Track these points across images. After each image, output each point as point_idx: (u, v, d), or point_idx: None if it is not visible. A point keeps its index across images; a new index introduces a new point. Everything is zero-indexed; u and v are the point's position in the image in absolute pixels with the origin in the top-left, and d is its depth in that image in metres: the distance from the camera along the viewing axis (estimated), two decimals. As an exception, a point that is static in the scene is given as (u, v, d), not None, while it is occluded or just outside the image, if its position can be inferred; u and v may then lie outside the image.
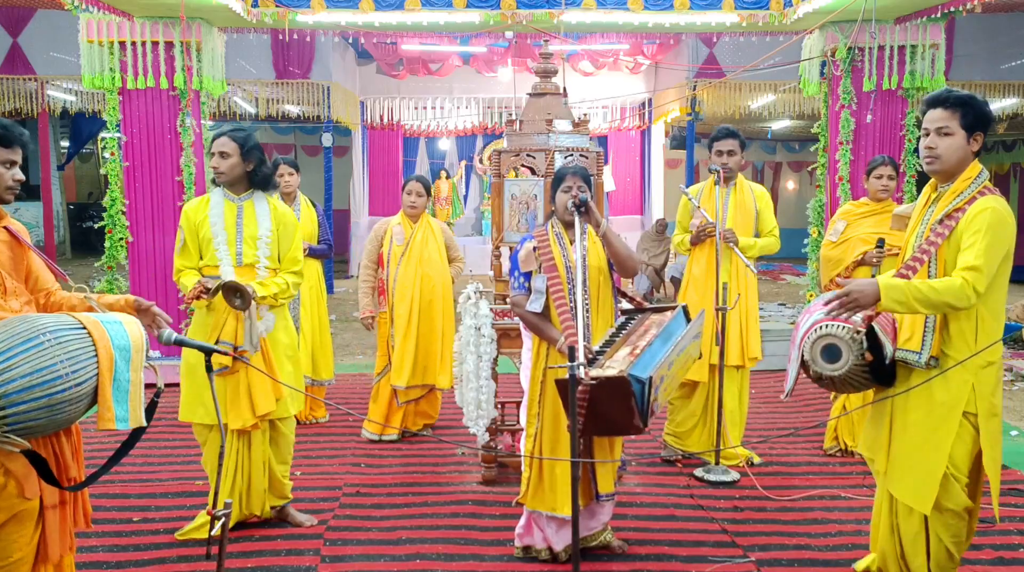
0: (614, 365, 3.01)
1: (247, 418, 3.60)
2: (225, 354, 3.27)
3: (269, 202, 3.75)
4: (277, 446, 3.82)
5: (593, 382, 2.89)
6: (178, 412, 3.72)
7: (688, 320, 3.52)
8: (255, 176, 3.69)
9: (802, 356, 2.94)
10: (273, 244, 3.69)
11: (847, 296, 2.69)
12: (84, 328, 2.16)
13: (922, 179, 6.90)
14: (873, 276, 4.58)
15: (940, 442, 2.79)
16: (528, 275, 3.42)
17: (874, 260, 4.50)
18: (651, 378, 2.93)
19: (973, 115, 2.76)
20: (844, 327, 2.84)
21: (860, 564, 3.38)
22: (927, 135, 2.83)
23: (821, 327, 2.88)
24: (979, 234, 2.68)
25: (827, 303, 2.80)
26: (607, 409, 2.95)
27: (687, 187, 5.05)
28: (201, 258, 3.68)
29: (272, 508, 3.87)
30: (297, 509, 4.01)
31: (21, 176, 2.45)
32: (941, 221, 2.79)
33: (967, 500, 2.84)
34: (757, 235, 4.81)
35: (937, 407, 2.80)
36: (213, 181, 3.75)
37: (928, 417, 2.82)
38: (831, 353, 2.86)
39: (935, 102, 2.81)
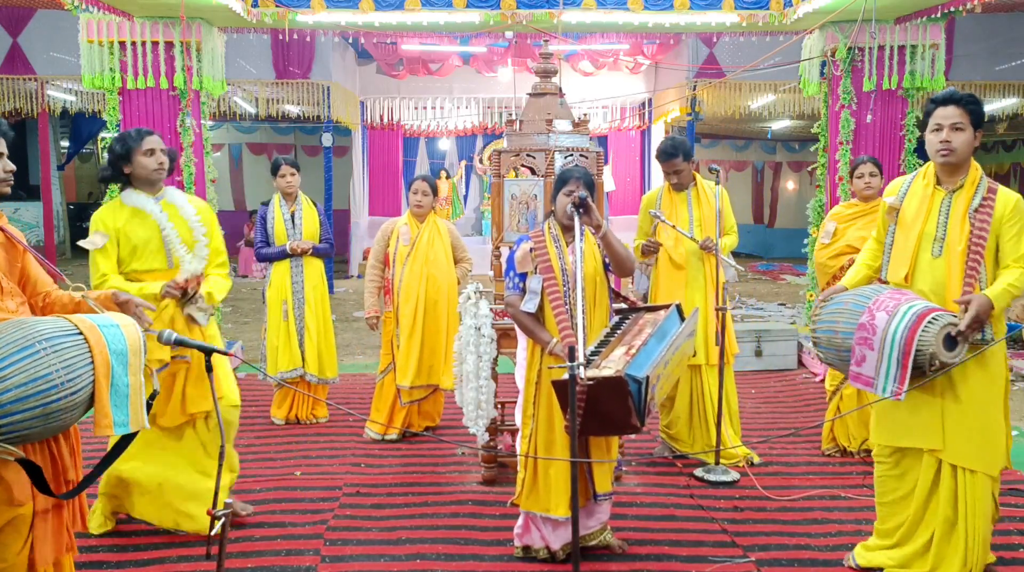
0: (610, 365, 3.02)
1: (177, 417, 3.63)
2: (225, 354, 3.27)
3: (188, 198, 3.76)
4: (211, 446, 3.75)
5: (590, 382, 2.89)
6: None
7: (682, 319, 3.52)
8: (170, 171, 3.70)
9: (917, 347, 2.91)
10: (212, 242, 3.73)
11: (977, 318, 2.92)
12: (80, 333, 2.14)
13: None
14: None
15: (998, 407, 3.10)
16: (523, 276, 3.41)
17: None
18: (648, 377, 2.93)
19: (979, 113, 3.07)
20: (955, 316, 2.97)
21: (862, 559, 3.41)
22: (940, 130, 3.06)
23: (936, 317, 2.93)
24: (1021, 224, 3.02)
25: (959, 329, 2.92)
26: (604, 409, 2.96)
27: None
28: (123, 264, 3.58)
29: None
30: (297, 509, 4.00)
31: (12, 166, 2.42)
32: (977, 210, 3.05)
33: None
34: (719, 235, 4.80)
35: (991, 376, 3.08)
36: (119, 185, 3.66)
37: (986, 386, 3.07)
38: (950, 342, 2.94)
39: (948, 100, 3.06)
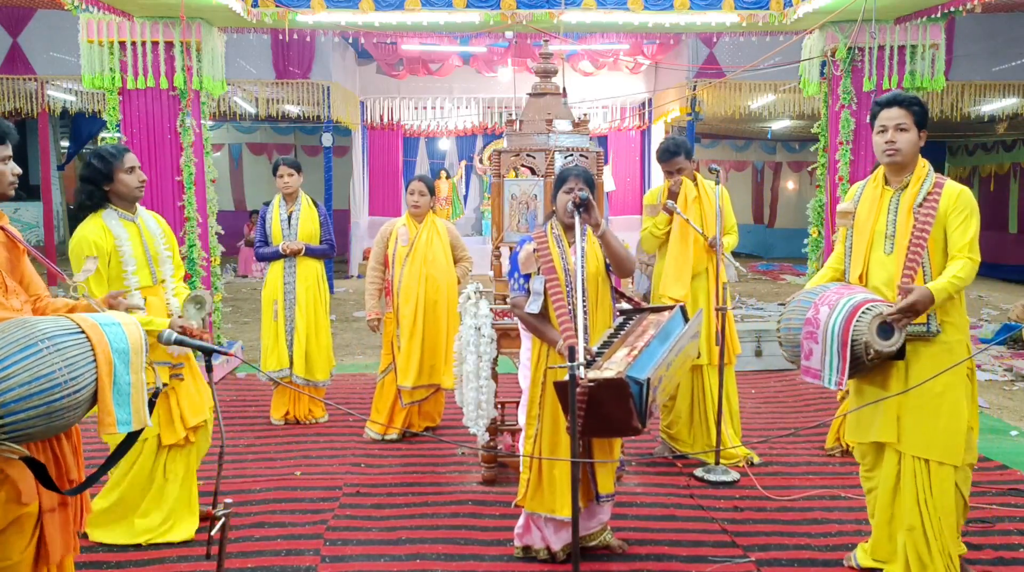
0: (612, 366, 3.02)
1: (180, 431, 3.63)
2: (225, 354, 3.27)
3: (151, 214, 3.75)
4: (201, 445, 3.80)
5: (591, 384, 2.89)
6: None
7: (686, 320, 3.52)
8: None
9: (852, 337, 2.99)
10: (174, 257, 3.72)
11: (912, 306, 2.97)
12: (82, 332, 2.14)
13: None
14: None
15: (957, 398, 3.12)
16: (527, 277, 3.41)
17: None
18: (649, 379, 2.93)
19: (922, 113, 3.17)
20: (889, 306, 3.03)
21: (862, 558, 3.42)
22: (885, 131, 3.16)
23: (870, 308, 3.01)
24: (966, 214, 3.08)
25: (891, 315, 2.98)
26: (605, 410, 2.96)
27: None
28: (111, 284, 3.51)
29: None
30: (297, 509, 4.00)
31: (18, 169, 2.43)
32: (921, 205, 3.13)
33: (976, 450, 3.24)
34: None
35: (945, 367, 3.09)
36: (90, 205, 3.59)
37: (943, 378, 3.08)
38: (885, 331, 2.99)
39: (891, 102, 3.17)
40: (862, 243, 3.27)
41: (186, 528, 3.73)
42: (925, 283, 3.06)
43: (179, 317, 3.45)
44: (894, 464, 3.21)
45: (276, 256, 5.48)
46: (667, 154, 4.73)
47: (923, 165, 3.21)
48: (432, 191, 5.33)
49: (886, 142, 3.16)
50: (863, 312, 3.00)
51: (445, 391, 5.31)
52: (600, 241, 3.39)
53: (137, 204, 3.67)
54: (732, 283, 4.82)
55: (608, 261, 3.46)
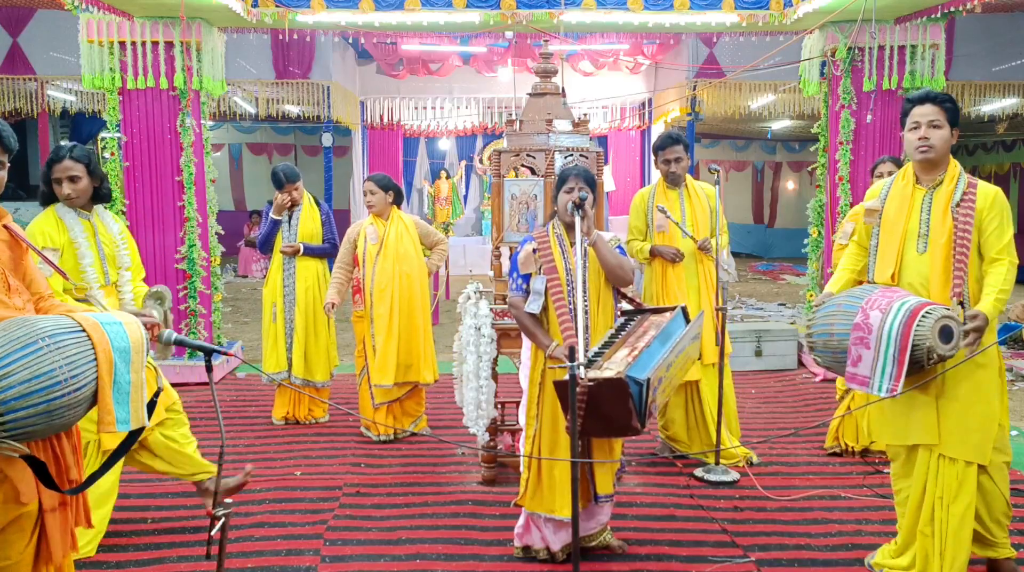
0: (612, 366, 3.02)
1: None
2: (225, 354, 3.28)
3: (109, 213, 3.77)
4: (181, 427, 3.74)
5: (591, 383, 2.89)
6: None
7: (687, 321, 3.52)
8: (100, 192, 3.65)
9: (914, 341, 2.90)
10: (132, 256, 3.73)
11: (979, 327, 2.94)
12: (83, 331, 2.15)
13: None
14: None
15: (990, 397, 3.10)
16: (527, 277, 3.41)
17: None
18: (649, 380, 2.93)
19: (955, 111, 3.17)
20: (948, 309, 2.96)
21: (881, 559, 3.40)
22: (918, 128, 3.14)
23: (930, 311, 2.93)
24: (1002, 216, 3.08)
25: (967, 335, 2.92)
26: (605, 410, 2.96)
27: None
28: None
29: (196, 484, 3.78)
30: (297, 509, 4.00)
31: (3, 177, 2.40)
32: (959, 205, 3.09)
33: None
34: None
35: (980, 368, 3.09)
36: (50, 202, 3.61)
37: (974, 378, 3.08)
38: (946, 334, 2.92)
39: (924, 99, 3.16)
40: (893, 242, 3.20)
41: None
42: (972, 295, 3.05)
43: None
44: (927, 466, 3.15)
45: (274, 228, 5.44)
46: (670, 140, 4.70)
47: (955, 164, 3.17)
48: (385, 188, 5.25)
49: (919, 138, 3.12)
50: (923, 316, 2.91)
51: (427, 387, 5.31)
52: (592, 249, 3.38)
53: (97, 205, 3.68)
54: (730, 283, 4.80)
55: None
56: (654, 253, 4.71)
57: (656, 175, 4.92)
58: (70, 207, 3.58)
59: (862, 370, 3.03)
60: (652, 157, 4.95)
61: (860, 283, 3.38)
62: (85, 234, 3.57)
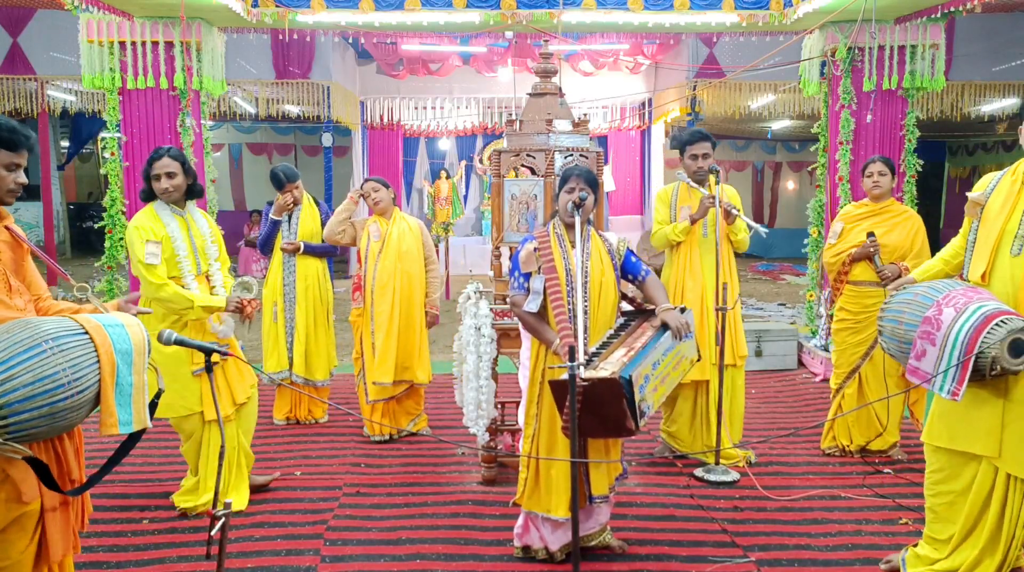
0: (608, 366, 3.03)
1: (228, 408, 3.92)
2: (226, 355, 3.27)
3: (199, 211, 4.07)
4: (246, 419, 4.13)
5: (586, 383, 2.90)
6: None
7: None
8: (193, 188, 3.94)
9: (980, 349, 2.74)
10: (220, 248, 4.08)
11: None
12: (86, 333, 2.15)
13: (922, 179, 6.86)
14: (878, 269, 4.61)
15: None
16: (528, 276, 3.41)
17: (871, 249, 4.56)
18: (631, 377, 2.93)
19: None
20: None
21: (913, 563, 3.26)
22: None
23: (1005, 321, 2.73)
24: None
25: None
26: (601, 410, 2.96)
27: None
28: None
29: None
30: (297, 509, 4.01)
31: (24, 179, 2.43)
32: None
33: None
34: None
35: None
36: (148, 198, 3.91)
37: None
38: (1017, 348, 2.73)
39: None
40: (989, 240, 2.98)
41: (237, 500, 4.01)
42: None
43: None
44: (990, 476, 2.95)
45: (274, 228, 5.45)
46: (699, 135, 4.68)
47: None
48: (387, 187, 5.30)
49: None
50: (996, 325, 2.72)
51: (424, 385, 5.31)
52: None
53: (190, 202, 3.97)
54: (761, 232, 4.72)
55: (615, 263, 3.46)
56: (698, 217, 4.63)
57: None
58: (166, 203, 3.86)
59: (925, 365, 2.89)
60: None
61: (949, 277, 3.21)
62: (180, 229, 3.86)
